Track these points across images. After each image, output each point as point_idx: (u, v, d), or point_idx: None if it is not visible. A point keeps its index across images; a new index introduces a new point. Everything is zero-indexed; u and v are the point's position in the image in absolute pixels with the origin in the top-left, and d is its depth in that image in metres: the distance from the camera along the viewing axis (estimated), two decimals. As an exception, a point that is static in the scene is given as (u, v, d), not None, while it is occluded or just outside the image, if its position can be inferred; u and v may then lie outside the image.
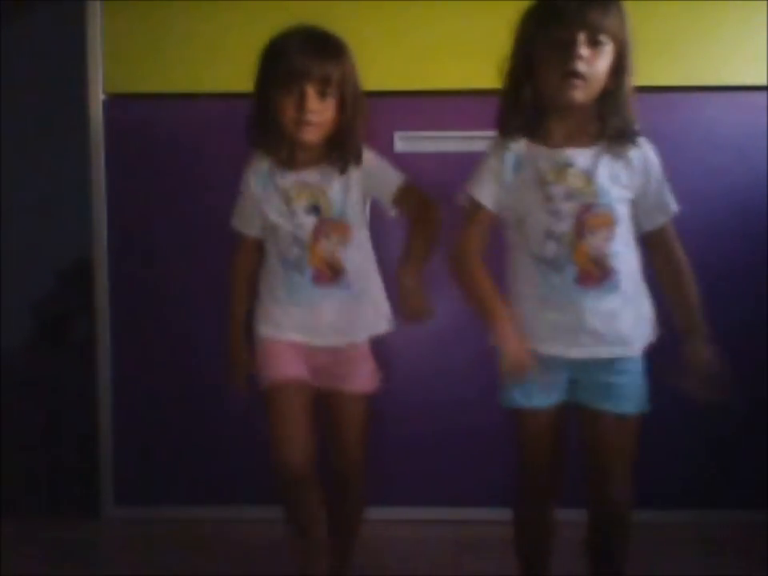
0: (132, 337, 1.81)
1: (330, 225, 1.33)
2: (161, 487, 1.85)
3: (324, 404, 1.39)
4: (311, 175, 1.34)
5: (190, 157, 1.77)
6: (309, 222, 1.33)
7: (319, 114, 1.29)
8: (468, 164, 1.75)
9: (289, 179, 1.35)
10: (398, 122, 1.73)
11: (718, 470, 1.80)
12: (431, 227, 1.34)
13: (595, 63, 1.12)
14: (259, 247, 1.42)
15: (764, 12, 1.69)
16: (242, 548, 1.70)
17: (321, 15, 1.59)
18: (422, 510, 1.83)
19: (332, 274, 1.33)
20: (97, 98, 1.75)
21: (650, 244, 1.24)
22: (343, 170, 1.34)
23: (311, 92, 1.28)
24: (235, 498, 1.82)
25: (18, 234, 2.68)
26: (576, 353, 1.20)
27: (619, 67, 1.16)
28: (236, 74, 1.73)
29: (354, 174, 1.35)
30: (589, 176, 1.17)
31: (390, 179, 1.38)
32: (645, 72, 1.66)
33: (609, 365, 1.21)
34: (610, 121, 1.17)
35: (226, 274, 1.75)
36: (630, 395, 1.22)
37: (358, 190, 1.36)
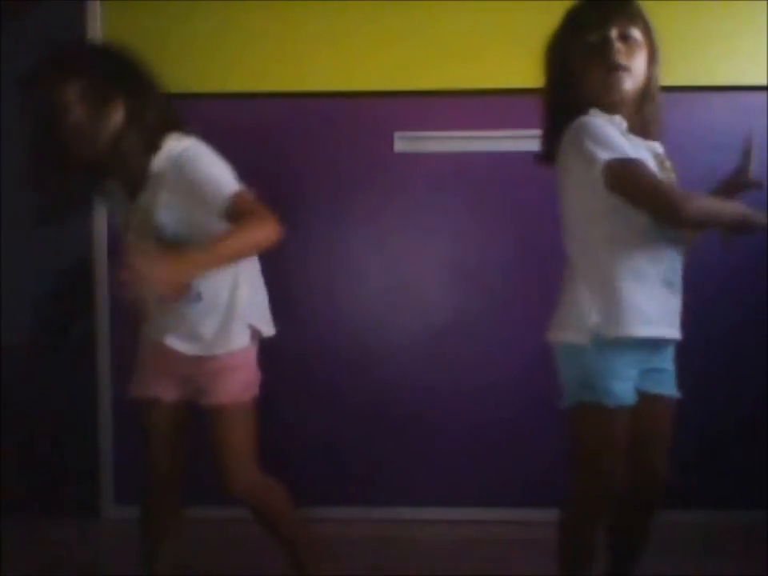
0: (132, 337, 1.81)
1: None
2: (161, 487, 1.85)
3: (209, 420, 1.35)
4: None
5: (189, 157, 1.76)
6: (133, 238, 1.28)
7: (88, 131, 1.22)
8: (468, 164, 1.76)
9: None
10: (398, 122, 1.73)
11: (718, 470, 1.80)
12: (248, 228, 1.19)
13: (633, 56, 1.15)
14: None
15: (764, 12, 1.69)
16: (241, 548, 1.70)
17: (321, 15, 1.60)
18: (422, 510, 1.83)
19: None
20: (97, 98, 1.75)
21: None
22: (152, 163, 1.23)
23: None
24: (235, 498, 1.82)
25: (18, 234, 2.68)
26: (674, 333, 1.17)
27: (651, 63, 1.17)
28: (235, 74, 1.73)
29: (172, 174, 1.23)
30: (662, 160, 1.19)
31: (210, 197, 1.22)
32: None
33: (666, 349, 1.19)
34: (654, 116, 1.19)
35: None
36: (675, 379, 1.21)
37: (173, 194, 1.24)
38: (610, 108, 1.16)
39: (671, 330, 1.17)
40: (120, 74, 1.25)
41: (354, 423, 1.79)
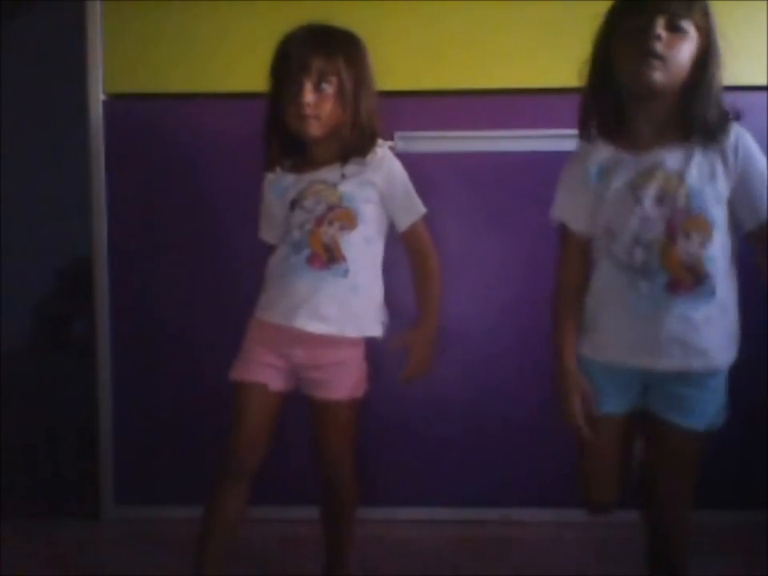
0: (132, 337, 1.81)
1: (334, 212, 1.33)
2: (161, 487, 1.85)
3: (310, 410, 1.39)
4: (324, 174, 1.35)
5: (189, 157, 1.76)
6: (317, 209, 1.33)
7: (316, 107, 1.29)
8: (468, 164, 1.76)
9: (303, 180, 1.35)
10: (398, 121, 1.73)
11: (717, 470, 1.80)
12: (433, 282, 1.40)
13: (675, 47, 1.08)
14: None
15: (764, 12, 1.69)
16: (241, 548, 1.70)
17: (320, 15, 1.59)
18: (422, 510, 1.83)
19: (328, 257, 1.32)
20: (97, 98, 1.75)
21: (757, 245, 1.16)
22: (344, 163, 1.34)
23: (308, 85, 1.28)
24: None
25: (18, 234, 2.69)
26: (663, 364, 1.14)
27: (705, 59, 1.11)
28: (236, 74, 1.73)
29: (375, 177, 1.35)
30: (680, 177, 1.11)
31: (411, 209, 1.40)
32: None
33: (687, 377, 1.15)
34: (697, 114, 1.11)
35: (226, 273, 1.75)
36: (703, 411, 1.16)
37: (376, 193, 1.36)
38: (640, 97, 1.12)
39: (650, 359, 1.14)
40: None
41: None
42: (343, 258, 1.32)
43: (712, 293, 1.12)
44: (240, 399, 1.35)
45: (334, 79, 1.30)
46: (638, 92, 1.12)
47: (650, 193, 1.11)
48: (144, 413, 1.83)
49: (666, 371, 1.14)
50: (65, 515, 1.86)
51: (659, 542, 1.25)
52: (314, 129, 1.31)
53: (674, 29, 1.09)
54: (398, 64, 1.72)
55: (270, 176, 1.41)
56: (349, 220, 1.33)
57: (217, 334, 1.76)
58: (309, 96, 1.28)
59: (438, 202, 1.77)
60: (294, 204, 1.35)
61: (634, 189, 1.12)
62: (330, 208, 1.32)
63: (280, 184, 1.38)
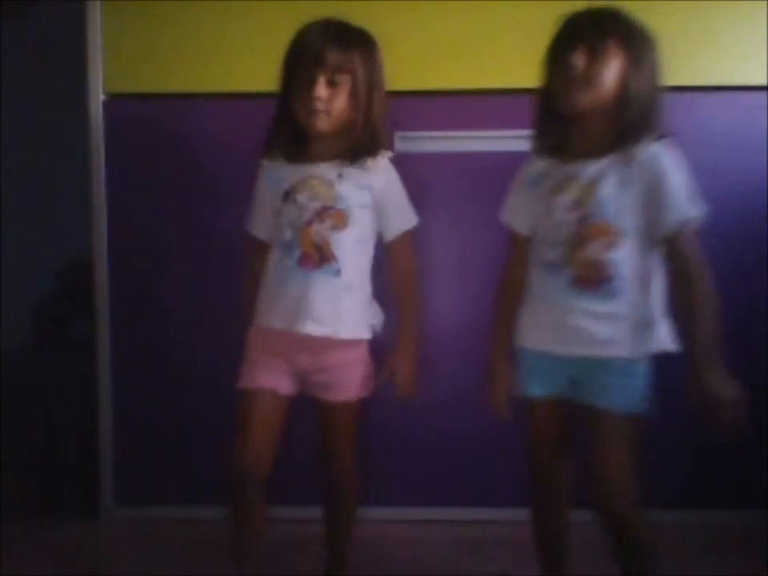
0: (132, 337, 1.81)
1: (327, 212, 1.32)
2: (161, 487, 1.85)
3: (314, 411, 1.39)
4: (322, 169, 1.34)
5: (190, 157, 1.77)
6: (310, 206, 1.32)
7: (328, 102, 1.29)
8: (468, 164, 1.76)
9: (299, 173, 1.34)
10: (397, 121, 1.73)
11: (717, 470, 1.80)
12: (414, 296, 1.41)
13: (596, 71, 1.18)
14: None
15: (764, 12, 1.69)
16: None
17: (320, 15, 1.59)
18: (422, 510, 1.83)
19: (319, 257, 1.31)
20: (97, 97, 1.75)
21: (665, 254, 1.22)
22: (353, 163, 1.33)
23: (321, 79, 1.28)
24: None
25: (18, 234, 2.68)
26: (575, 350, 1.24)
27: (630, 74, 1.19)
28: (236, 74, 1.73)
29: (373, 182, 1.35)
30: (594, 186, 1.21)
31: (404, 218, 1.40)
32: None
33: (603, 363, 1.22)
34: (624, 129, 1.20)
35: (226, 273, 1.75)
36: (620, 396, 1.22)
37: (372, 198, 1.35)
38: (574, 116, 1.23)
39: (562, 346, 1.25)
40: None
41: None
42: (334, 258, 1.31)
43: (616, 292, 1.21)
44: (248, 407, 1.33)
45: (348, 76, 1.30)
46: (570, 113, 1.23)
47: (566, 199, 1.22)
48: (144, 413, 1.83)
49: (580, 358, 1.23)
50: (65, 515, 1.86)
51: (608, 532, 1.30)
52: (323, 124, 1.30)
53: (594, 53, 1.18)
54: (397, 64, 1.71)
55: (266, 163, 1.39)
56: (341, 220, 1.32)
57: (217, 333, 1.76)
58: (321, 90, 1.28)
59: (437, 201, 1.77)
60: (287, 195, 1.34)
61: (553, 195, 1.24)
62: (324, 208, 1.32)
63: (275, 174, 1.37)
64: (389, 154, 1.38)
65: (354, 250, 1.34)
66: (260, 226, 1.42)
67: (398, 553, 1.68)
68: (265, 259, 1.39)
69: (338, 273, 1.32)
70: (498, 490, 1.80)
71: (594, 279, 1.21)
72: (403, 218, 1.40)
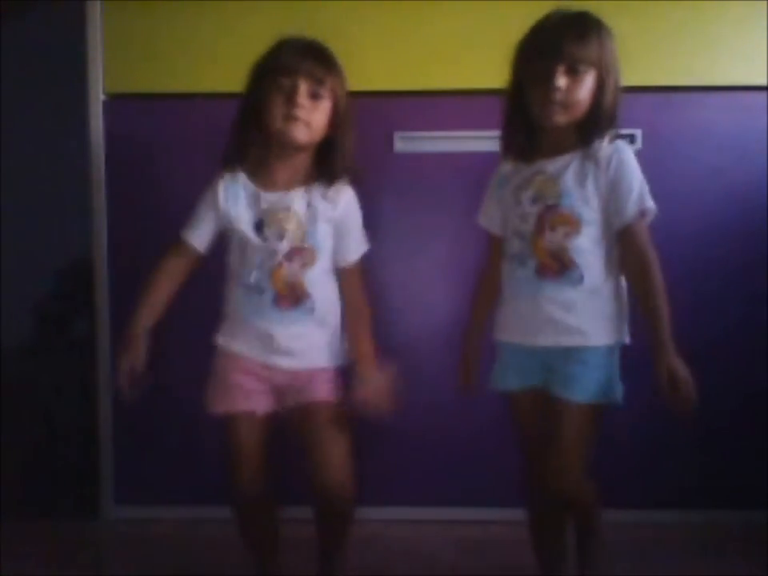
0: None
1: (296, 252, 1.32)
2: (161, 487, 1.85)
3: (296, 425, 1.37)
4: (289, 199, 1.33)
5: (189, 157, 1.77)
6: (279, 249, 1.31)
7: (309, 112, 1.28)
8: (468, 164, 1.76)
9: (265, 201, 1.33)
10: (398, 122, 1.73)
11: (717, 470, 1.80)
12: (366, 320, 1.38)
13: (575, 90, 1.21)
14: (197, 262, 1.43)
15: (764, 12, 1.69)
16: (241, 548, 1.70)
17: (320, 15, 1.60)
18: (422, 510, 1.83)
19: (293, 297, 1.32)
20: (97, 98, 1.75)
21: (621, 244, 1.26)
22: (328, 186, 1.33)
23: (303, 87, 1.27)
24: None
25: (18, 234, 2.68)
26: (541, 340, 1.27)
27: (599, 87, 1.23)
28: (236, 74, 1.73)
29: (335, 212, 1.34)
30: (555, 180, 1.26)
31: (360, 244, 1.39)
32: (644, 72, 1.68)
33: (568, 353, 1.25)
34: (591, 136, 1.25)
35: (226, 273, 1.75)
36: (583, 385, 1.24)
37: (332, 227, 1.35)
38: (546, 128, 1.27)
39: (531, 337, 1.28)
40: None
41: (353, 422, 1.79)
42: (308, 296, 1.32)
43: (579, 279, 1.24)
44: (232, 433, 1.35)
45: (329, 93, 1.29)
46: (543, 125, 1.27)
47: (528, 194, 1.28)
48: (144, 413, 1.83)
49: (549, 348, 1.26)
50: (65, 515, 1.86)
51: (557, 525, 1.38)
52: (301, 134, 1.29)
53: (574, 72, 1.21)
54: (397, 64, 1.72)
55: (226, 176, 1.37)
56: (311, 258, 1.33)
57: (217, 333, 1.75)
58: (303, 99, 1.27)
59: (437, 201, 1.77)
60: (258, 227, 1.33)
61: (518, 191, 1.30)
62: (294, 249, 1.31)
63: (237, 191, 1.36)
64: (350, 179, 1.37)
65: (323, 283, 1.35)
66: (197, 238, 1.40)
67: (397, 553, 1.68)
68: (187, 274, 1.42)
69: (312, 310, 1.33)
70: (498, 490, 1.80)
71: (556, 267, 1.25)
72: (360, 243, 1.39)
